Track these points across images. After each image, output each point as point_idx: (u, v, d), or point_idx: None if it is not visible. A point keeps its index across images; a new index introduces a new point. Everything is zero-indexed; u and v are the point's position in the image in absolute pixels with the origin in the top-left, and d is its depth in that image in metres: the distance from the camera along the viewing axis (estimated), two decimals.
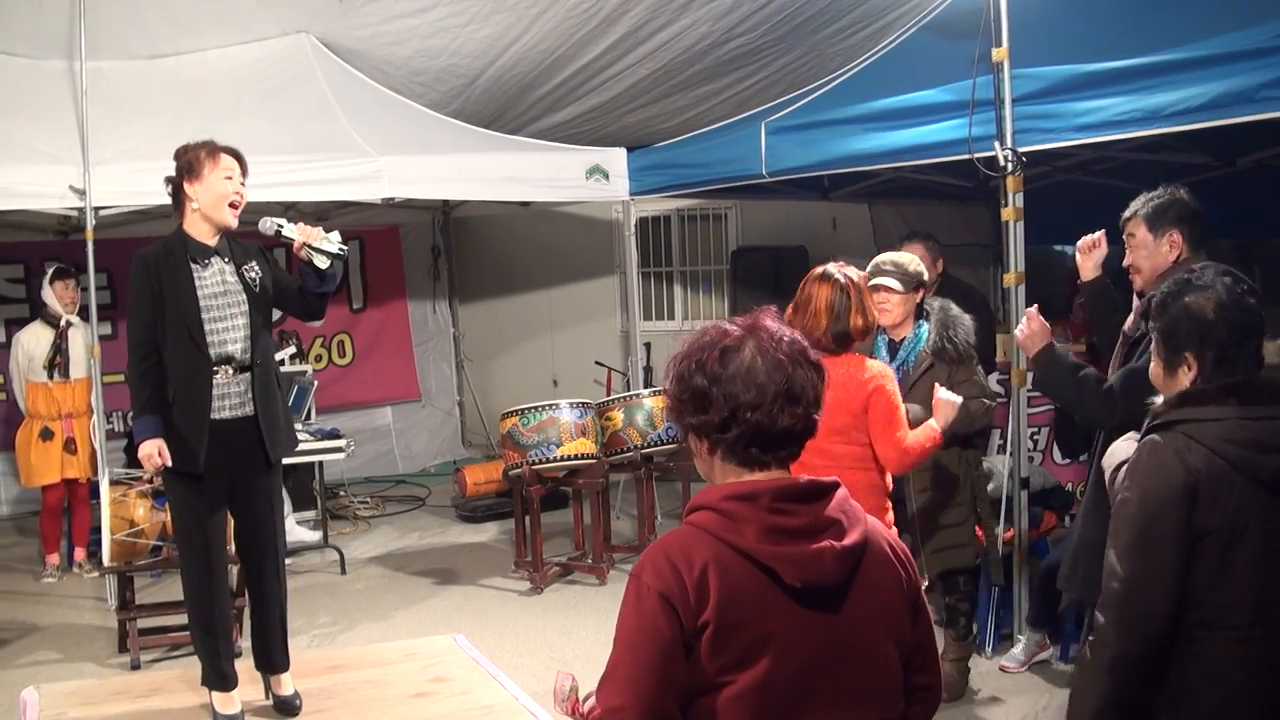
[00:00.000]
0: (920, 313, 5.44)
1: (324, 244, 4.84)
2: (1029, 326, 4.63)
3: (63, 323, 8.10)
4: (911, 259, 5.47)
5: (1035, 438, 6.93)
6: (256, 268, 4.98)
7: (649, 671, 2.14)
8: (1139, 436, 3.09)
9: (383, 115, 8.55)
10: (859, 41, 8.84)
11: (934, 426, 4.60)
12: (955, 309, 5.57)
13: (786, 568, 2.17)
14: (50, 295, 8.11)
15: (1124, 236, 4.57)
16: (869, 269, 5.28)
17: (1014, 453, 5.90)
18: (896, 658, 2.30)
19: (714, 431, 2.24)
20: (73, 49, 7.49)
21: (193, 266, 4.90)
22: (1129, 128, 5.25)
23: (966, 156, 5.80)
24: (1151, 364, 3.12)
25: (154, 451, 4.84)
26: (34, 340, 8.14)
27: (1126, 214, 4.55)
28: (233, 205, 4.90)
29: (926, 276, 5.48)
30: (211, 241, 4.94)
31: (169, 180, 4.98)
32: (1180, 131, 5.31)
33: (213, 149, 4.92)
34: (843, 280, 4.59)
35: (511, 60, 9.28)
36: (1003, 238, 5.88)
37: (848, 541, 2.21)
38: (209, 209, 4.90)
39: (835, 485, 2.29)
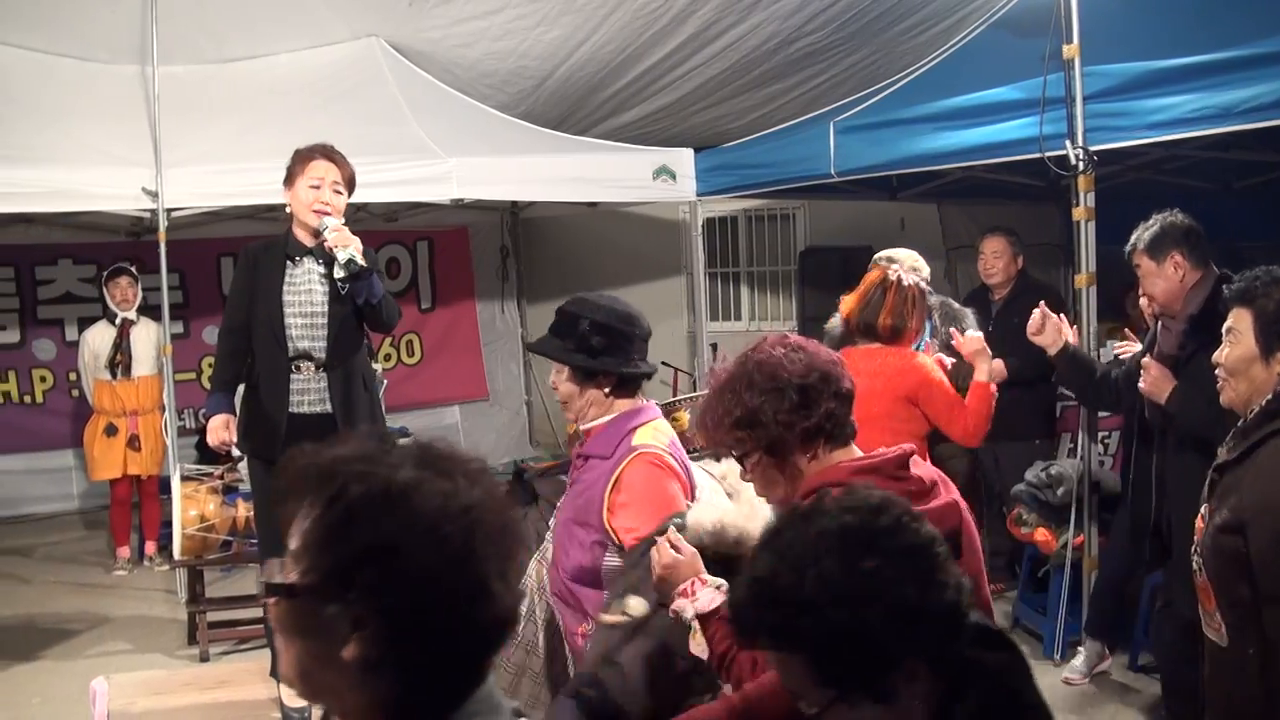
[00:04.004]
0: None
1: (339, 251, 4.89)
2: (1149, 379, 4.75)
3: (119, 320, 8.22)
4: (910, 254, 5.50)
5: (1105, 441, 6.83)
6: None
7: None
8: (1234, 442, 3.13)
9: (452, 117, 8.59)
10: (928, 39, 8.76)
11: (978, 380, 4.84)
12: (956, 304, 5.65)
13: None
14: (106, 293, 8.28)
15: (1134, 268, 4.87)
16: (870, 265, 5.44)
17: (1084, 457, 5.82)
18: None
19: (823, 422, 2.58)
20: (145, 54, 7.60)
21: (286, 264, 5.04)
22: (1201, 125, 5.15)
23: (1037, 155, 5.72)
24: (1230, 350, 3.18)
25: (219, 426, 5.02)
26: (99, 338, 8.30)
27: (1128, 248, 4.86)
28: (318, 211, 5.00)
29: (926, 273, 5.50)
30: (309, 242, 5.08)
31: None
32: (1254, 129, 5.21)
33: (307, 156, 5.07)
34: (890, 279, 4.73)
35: (580, 61, 9.30)
36: (1074, 238, 5.81)
37: (954, 495, 2.61)
38: (297, 214, 5.04)
39: (914, 451, 2.66)
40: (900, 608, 1.71)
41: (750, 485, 3.05)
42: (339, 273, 4.96)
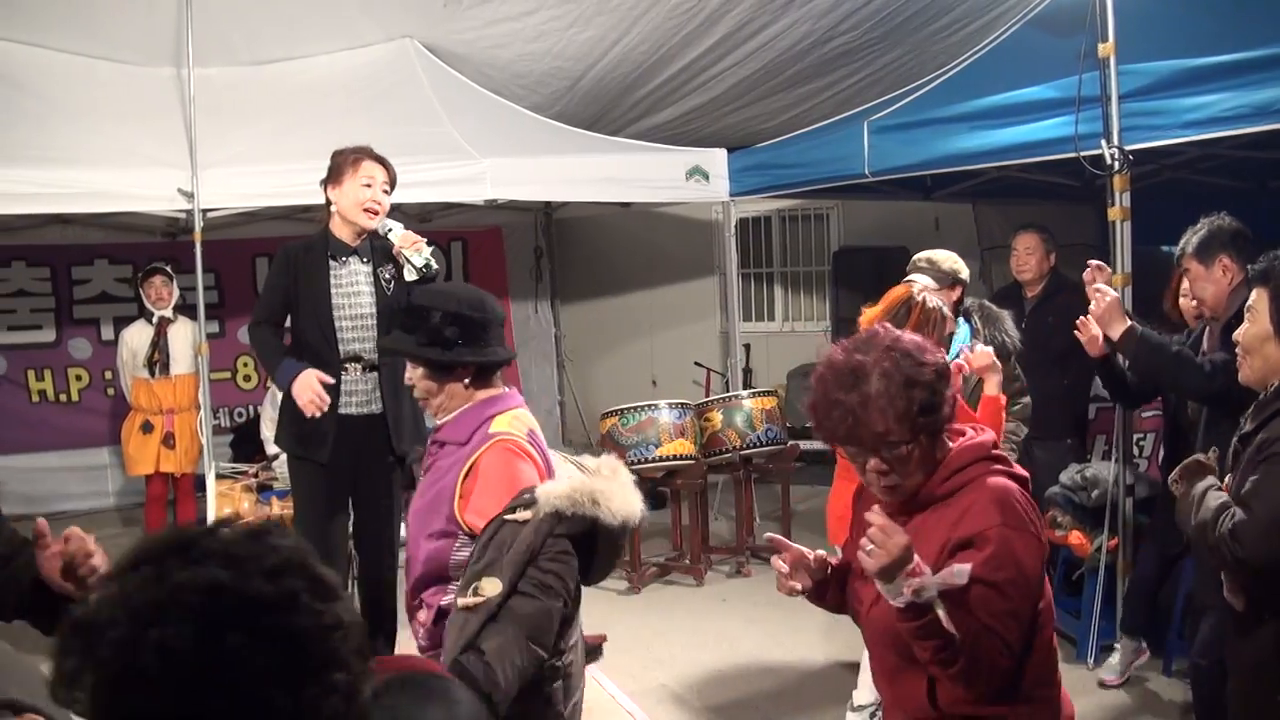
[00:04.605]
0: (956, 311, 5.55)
1: (413, 255, 4.93)
2: (1099, 305, 4.90)
3: (156, 319, 8.29)
4: (948, 256, 5.49)
5: (1141, 443, 6.79)
6: (392, 270, 5.11)
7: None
8: (1254, 413, 3.24)
9: (485, 118, 8.61)
10: (962, 38, 8.73)
11: (988, 394, 4.82)
12: (993, 307, 5.65)
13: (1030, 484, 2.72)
14: (141, 293, 8.36)
15: (1183, 273, 4.93)
16: (908, 267, 5.44)
17: (1119, 459, 5.78)
18: None
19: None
20: (181, 56, 7.65)
21: (330, 264, 5.08)
22: (1238, 124, 5.10)
23: (1072, 155, 5.69)
24: (1248, 328, 3.29)
25: (313, 380, 4.95)
26: (137, 337, 8.38)
27: (1178, 253, 4.88)
28: (369, 211, 5.04)
29: (964, 275, 5.47)
30: (352, 242, 5.12)
31: (322, 182, 5.21)
32: None
33: (357, 158, 5.11)
34: (916, 299, 4.74)
35: (613, 62, 9.31)
36: (1109, 238, 5.77)
37: None
38: (345, 212, 5.08)
39: None
40: (255, 713, 1.25)
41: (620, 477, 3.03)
42: (410, 275, 4.99)
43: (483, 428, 3.35)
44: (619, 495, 2.96)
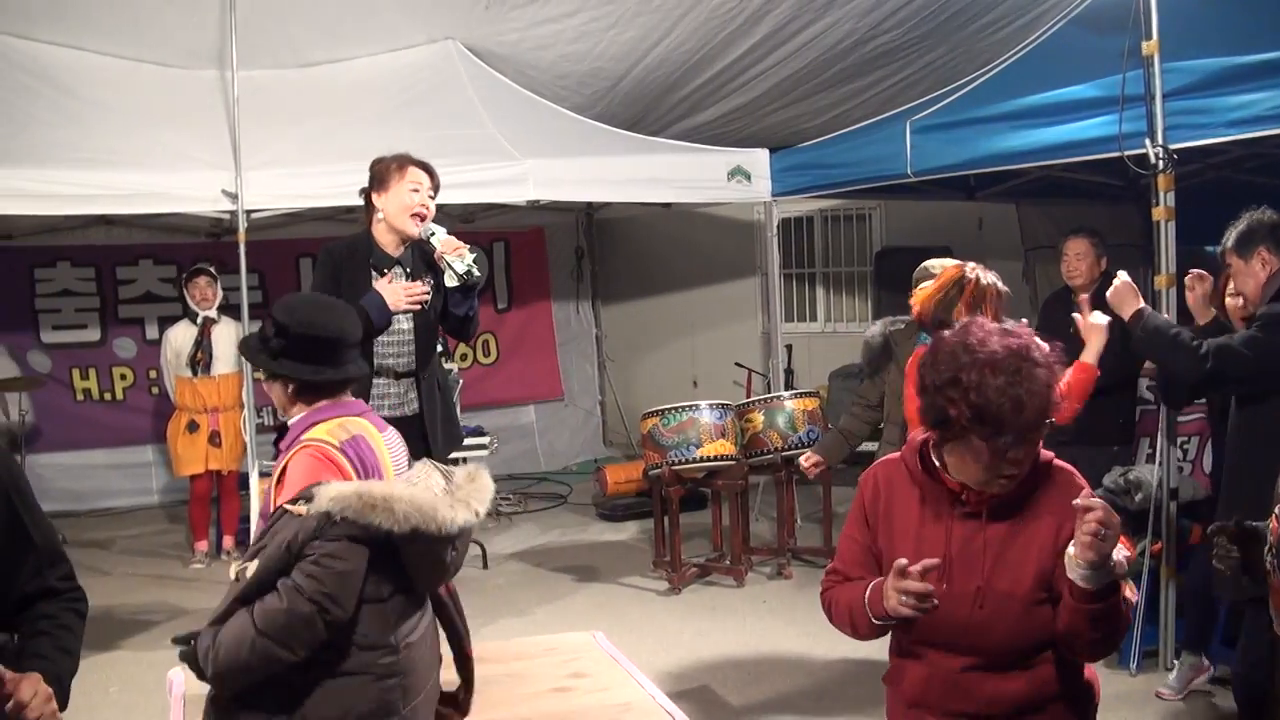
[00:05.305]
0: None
1: (455, 261, 4.92)
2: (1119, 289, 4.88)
3: (200, 319, 8.37)
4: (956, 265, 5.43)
5: (1185, 447, 6.71)
6: (431, 281, 5.10)
7: None
8: None
9: (528, 119, 8.64)
10: (1005, 37, 8.67)
11: (1082, 360, 4.71)
12: None
13: None
14: (185, 293, 8.44)
15: (1226, 268, 4.91)
16: (915, 274, 5.40)
17: (1163, 462, 5.72)
18: None
19: None
20: (224, 59, 7.73)
21: (373, 276, 5.05)
22: None
23: (1116, 154, 5.64)
24: None
25: (397, 286, 4.96)
26: (181, 336, 8.46)
27: (1220, 249, 4.83)
28: (417, 216, 5.03)
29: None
30: (394, 251, 5.09)
31: (362, 191, 5.19)
32: None
33: (402, 162, 5.09)
34: (969, 276, 4.68)
35: (655, 62, 9.31)
36: (1153, 238, 5.72)
37: None
38: (393, 218, 5.05)
39: None
40: None
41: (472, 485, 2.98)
42: (451, 281, 4.98)
43: (300, 435, 3.36)
44: (430, 502, 2.83)
